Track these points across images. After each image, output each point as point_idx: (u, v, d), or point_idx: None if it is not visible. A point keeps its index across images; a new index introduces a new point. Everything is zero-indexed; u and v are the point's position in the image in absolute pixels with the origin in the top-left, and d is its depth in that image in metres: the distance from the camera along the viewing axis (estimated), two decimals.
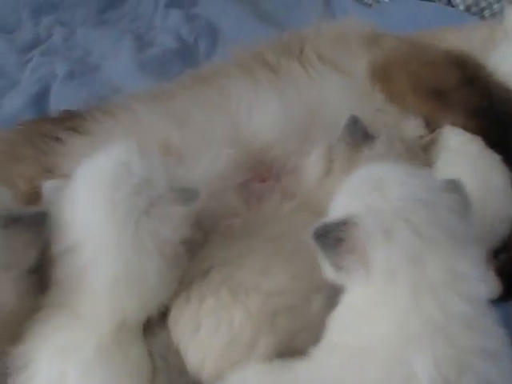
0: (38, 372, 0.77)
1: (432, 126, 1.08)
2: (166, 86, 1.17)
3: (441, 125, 1.07)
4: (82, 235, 0.80)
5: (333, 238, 0.71)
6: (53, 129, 1.09)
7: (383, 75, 1.12)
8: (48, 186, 0.90)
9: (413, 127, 1.08)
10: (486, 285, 0.71)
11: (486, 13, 1.70)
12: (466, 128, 1.05)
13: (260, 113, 1.03)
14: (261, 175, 1.03)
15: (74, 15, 1.88)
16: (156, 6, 1.91)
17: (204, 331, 0.80)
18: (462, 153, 1.03)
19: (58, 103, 1.47)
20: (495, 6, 1.69)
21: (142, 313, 0.82)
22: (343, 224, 0.71)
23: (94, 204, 0.80)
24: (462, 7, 1.72)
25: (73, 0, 1.94)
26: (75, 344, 0.77)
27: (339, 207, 0.76)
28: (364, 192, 0.74)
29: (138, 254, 0.79)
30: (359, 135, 0.98)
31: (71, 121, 1.10)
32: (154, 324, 0.84)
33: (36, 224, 0.81)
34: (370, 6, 1.89)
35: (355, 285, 0.71)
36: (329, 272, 0.74)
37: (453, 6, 1.73)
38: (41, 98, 1.52)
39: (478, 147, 1.03)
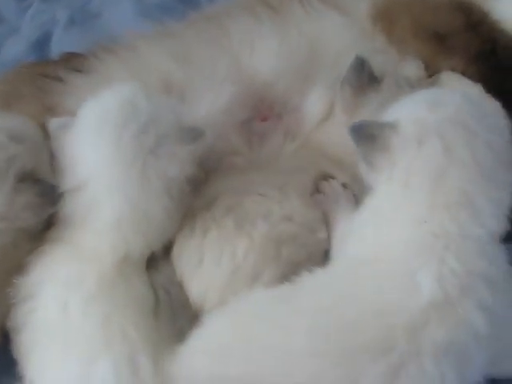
0: (41, 303, 0.78)
1: (431, 69, 1.06)
2: (169, 25, 1.15)
3: (440, 69, 1.05)
4: (88, 173, 0.81)
5: (367, 133, 0.75)
6: (53, 69, 1.08)
7: (385, 17, 1.09)
8: (54, 123, 0.89)
9: (412, 69, 1.06)
10: (499, 222, 0.72)
11: None
12: (465, 73, 1.03)
13: (261, 51, 1.02)
14: (262, 114, 1.02)
15: None
16: None
17: (207, 262, 0.81)
18: None
19: (59, 50, 1.43)
20: None
21: (146, 248, 0.83)
22: (381, 125, 0.76)
23: (101, 142, 0.81)
24: None
25: None
26: (78, 276, 0.78)
27: (391, 113, 0.79)
28: (418, 107, 0.77)
29: (144, 193, 0.80)
30: (365, 77, 0.95)
31: (72, 61, 1.10)
32: (158, 258, 0.85)
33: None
34: None
35: (379, 184, 0.75)
36: (361, 168, 0.79)
37: None
38: (42, 44, 1.49)
39: (477, 92, 1.01)
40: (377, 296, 0.66)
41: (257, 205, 0.83)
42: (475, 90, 1.01)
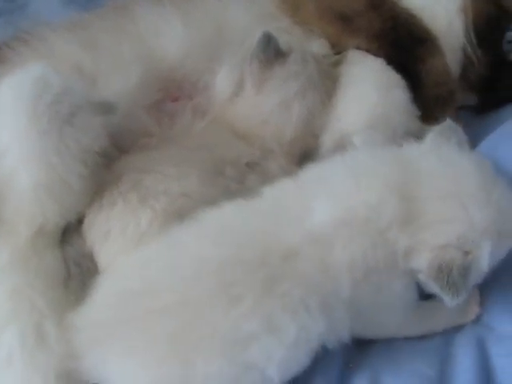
0: None
1: (337, 48, 1.12)
2: (83, 16, 1.18)
3: (346, 47, 1.11)
4: (6, 144, 0.85)
5: None
6: None
7: (292, 1, 1.14)
8: None
9: (318, 47, 1.11)
10: None
11: None
12: (369, 51, 1.09)
13: (167, 33, 1.06)
14: (172, 95, 1.07)
15: None
16: None
17: (114, 234, 0.86)
18: (364, 70, 1.07)
19: None
20: None
21: (62, 218, 0.88)
22: None
23: (17, 113, 0.85)
24: None
25: None
26: None
27: None
28: None
29: (61, 160, 0.85)
30: (272, 52, 1.00)
31: None
32: (71, 231, 0.89)
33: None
34: None
35: None
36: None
37: None
38: None
39: (380, 65, 1.07)
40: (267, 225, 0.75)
41: (157, 182, 0.89)
42: (378, 64, 1.07)
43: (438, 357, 0.81)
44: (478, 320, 0.85)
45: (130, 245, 0.85)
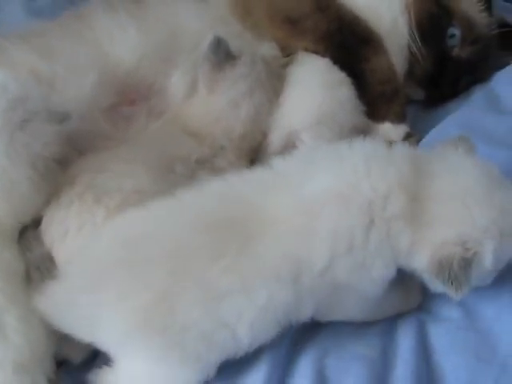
0: None
1: (287, 51, 1.16)
2: (40, 25, 1.22)
3: (295, 50, 1.16)
4: None
5: None
6: None
7: (242, 5, 1.19)
8: None
9: (267, 50, 1.16)
10: None
11: None
12: (316, 52, 1.14)
13: (121, 39, 1.11)
14: (129, 98, 1.11)
15: None
16: None
17: (71, 233, 0.90)
18: (309, 70, 1.12)
19: None
20: None
21: (15, 220, 0.91)
22: None
23: None
24: None
25: None
26: None
27: None
28: None
29: (11, 164, 0.89)
30: (222, 54, 1.05)
31: None
32: (29, 237, 0.93)
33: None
34: None
35: None
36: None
37: None
38: None
39: (325, 65, 1.12)
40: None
41: (110, 180, 0.93)
42: (323, 64, 1.12)
43: (381, 340, 0.85)
44: (418, 307, 0.90)
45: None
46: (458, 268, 0.75)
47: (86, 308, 0.78)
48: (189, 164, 0.97)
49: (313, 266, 0.76)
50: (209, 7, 1.18)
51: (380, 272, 0.79)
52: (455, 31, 1.19)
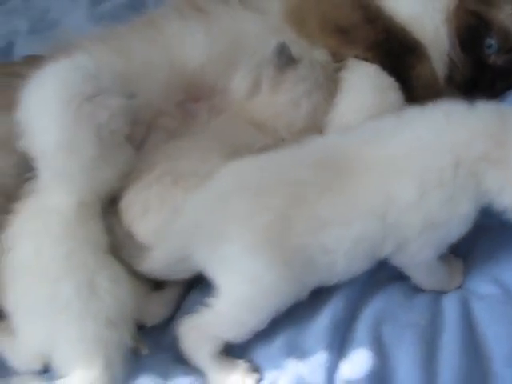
0: (19, 252, 0.99)
1: (337, 57, 1.26)
2: (115, 28, 1.35)
3: (345, 57, 1.25)
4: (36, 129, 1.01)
5: None
6: (16, 68, 1.27)
7: (296, 15, 1.29)
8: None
9: (320, 57, 1.26)
10: None
11: None
12: (365, 59, 1.24)
13: (190, 44, 1.23)
14: (194, 96, 1.23)
15: None
16: None
17: (152, 211, 1.02)
18: (363, 75, 1.22)
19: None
20: None
21: (94, 194, 1.02)
22: None
23: (47, 92, 1.01)
24: None
25: None
26: (46, 226, 0.98)
27: None
28: None
29: (78, 129, 0.99)
30: (285, 59, 1.17)
31: (32, 61, 1.28)
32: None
33: None
34: None
35: None
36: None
37: None
38: (6, 52, 1.70)
39: (375, 70, 1.22)
40: None
41: (186, 166, 1.04)
42: (373, 70, 1.22)
43: (429, 310, 0.95)
44: (460, 286, 1.01)
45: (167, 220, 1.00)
46: None
47: (210, 228, 0.92)
48: (252, 151, 1.07)
49: (402, 202, 0.88)
50: (266, 17, 1.29)
51: (466, 208, 0.90)
52: (492, 41, 1.28)
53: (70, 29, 1.75)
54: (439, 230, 0.91)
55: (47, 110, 0.99)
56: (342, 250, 0.89)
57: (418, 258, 0.94)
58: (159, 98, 1.18)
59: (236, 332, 0.92)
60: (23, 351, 0.97)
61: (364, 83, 1.20)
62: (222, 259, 0.91)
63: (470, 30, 1.28)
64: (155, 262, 0.97)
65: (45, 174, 1.03)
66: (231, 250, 0.90)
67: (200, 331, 0.92)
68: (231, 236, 0.90)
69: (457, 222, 0.91)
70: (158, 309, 1.02)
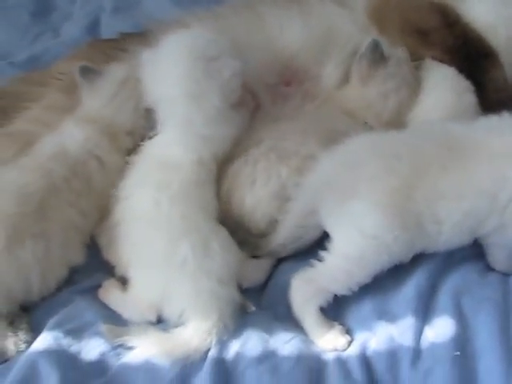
0: (137, 201, 1.10)
1: (415, 57, 1.37)
2: (219, 10, 1.46)
3: (423, 57, 1.37)
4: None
5: None
6: (117, 43, 1.41)
7: (378, 14, 1.41)
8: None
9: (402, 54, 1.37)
10: None
11: None
12: (442, 61, 1.35)
13: (288, 30, 1.35)
14: (287, 80, 1.35)
15: None
16: None
17: (259, 183, 1.14)
18: (442, 77, 1.33)
19: (108, 32, 1.74)
20: None
21: (212, 153, 1.15)
22: None
23: (180, 53, 1.16)
24: None
25: None
26: (166, 181, 1.10)
27: None
28: None
29: (206, 84, 1.13)
30: (378, 55, 1.27)
31: (130, 37, 1.42)
32: None
33: None
34: None
35: None
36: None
37: None
38: (93, 28, 1.80)
39: (453, 73, 1.33)
40: None
41: (289, 146, 1.16)
42: (452, 72, 1.33)
43: (500, 287, 1.07)
44: None
45: (272, 192, 1.13)
46: None
47: (341, 185, 1.06)
48: (347, 137, 1.17)
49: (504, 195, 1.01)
50: (353, 12, 1.41)
51: None
52: None
53: (150, 8, 1.87)
54: None
55: (179, 68, 1.13)
56: (450, 222, 1.02)
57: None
58: (255, 77, 1.29)
59: (344, 284, 1.04)
60: (138, 304, 1.07)
61: (444, 84, 1.32)
62: (346, 214, 1.03)
63: None
64: (283, 231, 1.10)
65: (168, 128, 1.15)
66: (358, 206, 1.02)
67: (311, 283, 1.04)
68: (360, 194, 1.02)
69: None
70: (254, 274, 1.14)
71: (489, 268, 1.12)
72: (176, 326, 1.03)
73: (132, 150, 1.19)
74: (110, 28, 1.77)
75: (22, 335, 1.03)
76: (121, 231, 1.11)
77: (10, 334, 1.02)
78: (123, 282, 1.11)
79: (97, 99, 1.22)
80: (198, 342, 0.99)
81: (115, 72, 1.25)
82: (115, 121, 1.21)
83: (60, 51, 1.64)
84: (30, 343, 1.02)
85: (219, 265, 1.05)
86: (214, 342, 1.00)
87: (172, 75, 1.13)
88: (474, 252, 1.12)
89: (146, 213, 1.08)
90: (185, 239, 1.05)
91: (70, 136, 1.18)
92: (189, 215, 1.08)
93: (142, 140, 1.19)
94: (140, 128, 1.21)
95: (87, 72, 1.22)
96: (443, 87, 1.31)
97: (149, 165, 1.14)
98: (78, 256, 1.13)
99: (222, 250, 1.06)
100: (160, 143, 1.16)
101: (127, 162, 1.17)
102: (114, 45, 1.41)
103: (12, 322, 1.04)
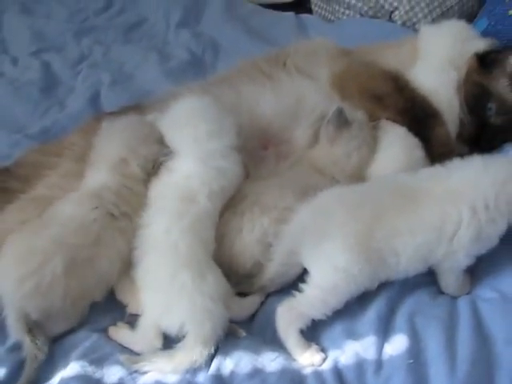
0: (154, 229, 1.32)
1: (372, 118, 1.61)
2: (198, 83, 1.73)
3: (379, 118, 1.61)
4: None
5: None
6: (121, 115, 1.61)
7: (340, 83, 1.67)
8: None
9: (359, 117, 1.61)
10: None
11: (417, 26, 2.30)
12: (395, 121, 1.60)
13: (262, 103, 1.61)
14: (264, 144, 1.60)
15: (106, 36, 2.43)
16: (167, 27, 2.48)
17: (245, 231, 1.38)
18: (394, 135, 1.58)
19: (108, 103, 2.01)
20: (424, 21, 2.31)
21: (220, 186, 1.39)
22: None
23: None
24: (399, 22, 2.33)
25: (103, 24, 2.50)
26: (179, 213, 1.33)
27: None
28: None
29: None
30: (342, 120, 1.51)
31: (132, 109, 1.64)
32: None
33: None
34: (333, 21, 2.48)
35: None
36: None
37: (392, 22, 2.35)
38: (94, 100, 2.06)
39: (404, 132, 1.59)
40: None
41: (269, 200, 1.41)
42: (403, 132, 1.58)
43: (448, 308, 1.30)
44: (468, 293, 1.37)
45: (256, 238, 1.37)
46: None
47: (315, 231, 1.29)
48: (317, 190, 1.42)
49: (460, 220, 1.26)
50: (319, 84, 1.68)
51: (503, 226, 1.28)
52: (492, 105, 1.65)
53: (143, 81, 2.14)
54: (484, 242, 1.28)
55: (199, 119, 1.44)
56: (407, 254, 1.26)
57: (459, 265, 1.31)
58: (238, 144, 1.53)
59: (320, 310, 1.26)
60: (147, 335, 1.27)
61: (397, 143, 1.56)
62: (321, 253, 1.27)
63: (475, 97, 1.67)
64: (271, 269, 1.34)
65: (186, 159, 1.40)
66: (330, 247, 1.26)
67: (293, 310, 1.26)
68: (331, 237, 1.26)
69: (494, 236, 1.29)
70: (242, 310, 1.36)
71: (440, 292, 1.36)
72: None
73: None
74: (109, 99, 2.04)
75: (41, 344, 1.23)
76: (137, 256, 1.33)
77: (29, 338, 1.23)
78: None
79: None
80: (199, 349, 1.20)
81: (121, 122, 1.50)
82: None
83: (67, 122, 1.92)
84: (46, 354, 1.24)
85: (212, 289, 1.26)
86: (211, 349, 1.22)
87: (208, 131, 1.42)
88: (427, 279, 1.36)
89: (157, 240, 1.31)
90: (186, 268, 1.26)
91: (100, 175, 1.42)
92: (192, 247, 1.30)
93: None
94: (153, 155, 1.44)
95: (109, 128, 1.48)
96: (396, 145, 1.56)
97: (169, 194, 1.37)
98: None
99: (215, 280, 1.28)
100: (178, 173, 1.39)
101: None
102: (115, 117, 1.66)
103: (30, 330, 1.25)
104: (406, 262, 1.27)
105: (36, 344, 1.23)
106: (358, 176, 1.52)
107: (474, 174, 1.31)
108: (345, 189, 1.37)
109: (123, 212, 1.37)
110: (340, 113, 1.51)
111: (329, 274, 1.26)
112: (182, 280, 1.25)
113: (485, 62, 1.69)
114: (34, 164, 1.58)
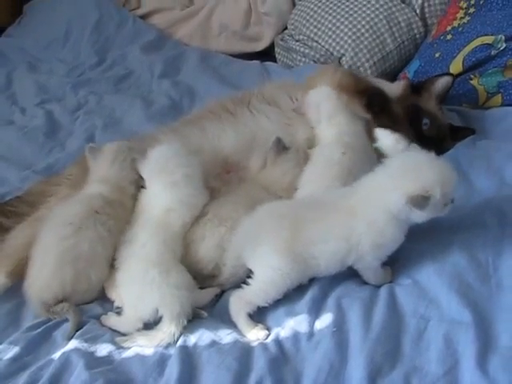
0: (135, 244, 1.67)
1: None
2: (172, 126, 2.10)
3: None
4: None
5: None
6: None
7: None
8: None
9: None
10: None
11: (362, 69, 2.69)
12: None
13: (224, 138, 1.97)
14: (227, 170, 1.96)
15: (99, 87, 2.84)
16: (152, 77, 2.89)
17: (207, 239, 1.72)
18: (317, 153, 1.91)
19: (101, 144, 2.36)
20: (366, 64, 2.72)
21: (187, 219, 1.74)
22: None
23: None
24: (346, 66, 2.69)
25: (96, 77, 2.91)
26: (156, 232, 1.67)
27: None
28: None
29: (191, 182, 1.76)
30: (280, 147, 1.87)
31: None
32: None
33: None
34: (292, 67, 2.90)
35: None
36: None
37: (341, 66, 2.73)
38: (89, 141, 2.39)
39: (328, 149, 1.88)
40: None
41: (226, 213, 1.75)
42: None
43: (369, 292, 1.60)
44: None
45: (215, 244, 1.71)
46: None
47: (253, 239, 1.57)
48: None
49: (361, 232, 1.51)
50: (280, 112, 2.05)
51: (400, 234, 1.56)
52: (426, 121, 2.07)
53: (131, 125, 2.53)
54: (383, 248, 1.58)
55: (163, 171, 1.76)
56: (323, 258, 1.52)
57: (371, 265, 1.62)
58: (205, 171, 1.88)
59: (263, 300, 1.54)
60: (130, 320, 1.60)
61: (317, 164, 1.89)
62: (259, 256, 1.54)
63: (413, 114, 2.10)
64: (225, 271, 1.67)
65: (164, 200, 1.74)
66: (266, 251, 1.52)
67: (241, 298, 1.57)
68: (266, 242, 1.53)
69: (393, 243, 1.59)
70: (202, 298, 1.68)
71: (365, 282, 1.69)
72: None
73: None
74: (102, 140, 2.37)
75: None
76: (118, 263, 1.67)
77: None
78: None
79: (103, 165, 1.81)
80: (173, 328, 1.53)
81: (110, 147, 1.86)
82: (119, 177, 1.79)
83: (67, 160, 2.28)
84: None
85: (176, 280, 1.58)
86: (183, 326, 1.53)
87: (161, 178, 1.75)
88: (356, 271, 1.66)
89: (135, 251, 1.65)
90: (154, 267, 1.57)
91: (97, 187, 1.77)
92: (162, 252, 1.64)
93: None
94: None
95: (93, 151, 1.85)
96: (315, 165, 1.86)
97: (147, 215, 1.70)
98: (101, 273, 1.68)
99: (178, 274, 1.62)
100: (157, 208, 1.71)
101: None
102: None
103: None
104: (324, 264, 1.54)
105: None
106: (292, 190, 1.85)
107: (369, 192, 1.55)
108: (278, 203, 1.69)
109: (108, 212, 1.72)
110: (278, 141, 1.89)
111: (267, 272, 1.53)
112: (151, 275, 1.58)
113: (415, 88, 2.16)
114: (39, 192, 1.96)
